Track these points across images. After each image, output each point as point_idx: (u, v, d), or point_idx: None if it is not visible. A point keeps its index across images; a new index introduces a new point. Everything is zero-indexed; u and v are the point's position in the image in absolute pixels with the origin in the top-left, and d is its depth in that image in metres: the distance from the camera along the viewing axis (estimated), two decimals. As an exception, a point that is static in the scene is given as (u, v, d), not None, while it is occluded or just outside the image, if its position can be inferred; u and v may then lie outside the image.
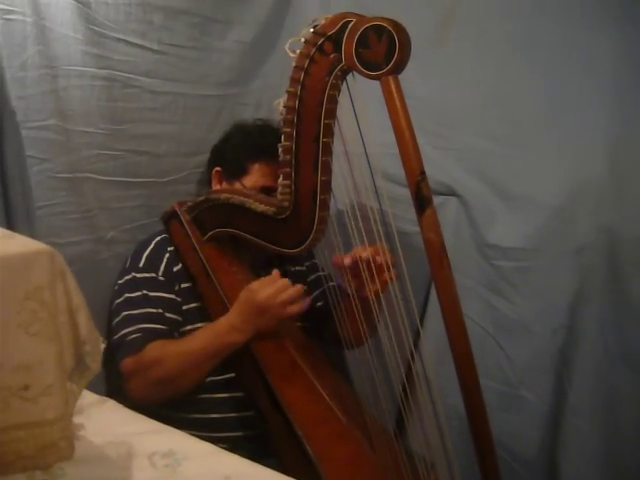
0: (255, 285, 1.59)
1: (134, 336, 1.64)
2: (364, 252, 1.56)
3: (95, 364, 1.04)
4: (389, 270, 1.56)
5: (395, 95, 1.29)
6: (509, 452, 1.91)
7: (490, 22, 1.88)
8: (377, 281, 1.58)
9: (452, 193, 1.94)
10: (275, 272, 1.61)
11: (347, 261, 1.59)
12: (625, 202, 1.74)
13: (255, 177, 1.78)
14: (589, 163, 1.76)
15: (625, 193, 1.74)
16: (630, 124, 1.72)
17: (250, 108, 2.15)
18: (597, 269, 1.78)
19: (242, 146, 1.82)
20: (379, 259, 1.56)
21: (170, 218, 1.78)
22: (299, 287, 1.60)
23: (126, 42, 1.77)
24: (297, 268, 1.96)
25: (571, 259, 1.80)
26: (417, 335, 1.74)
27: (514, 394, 1.92)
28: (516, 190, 1.87)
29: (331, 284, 1.87)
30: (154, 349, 1.62)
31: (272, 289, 1.57)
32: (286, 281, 1.59)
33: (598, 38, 1.74)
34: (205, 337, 1.63)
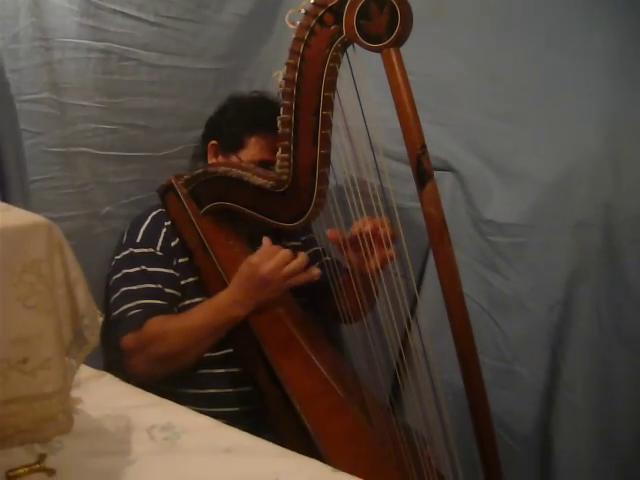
0: (255, 259, 1.57)
1: (134, 312, 1.64)
2: (365, 226, 1.55)
3: (93, 338, 1.03)
4: (389, 245, 1.55)
5: (396, 68, 1.28)
6: (503, 427, 1.91)
7: (487, -3, 1.87)
8: (377, 256, 1.57)
9: (448, 168, 1.93)
10: (266, 241, 1.60)
11: (347, 235, 1.58)
12: (622, 179, 1.73)
13: (252, 151, 1.76)
14: (586, 140, 1.76)
15: (622, 170, 1.73)
16: (627, 101, 1.71)
17: (247, 82, 2.13)
18: (593, 246, 1.78)
19: (238, 119, 1.80)
20: (380, 232, 1.55)
21: (166, 191, 1.75)
22: (302, 258, 1.59)
23: (123, 14, 1.74)
24: (293, 243, 1.94)
25: (567, 236, 1.80)
26: (412, 311, 1.74)
27: (508, 370, 1.92)
28: (512, 166, 1.86)
29: (328, 258, 1.87)
30: (155, 325, 1.61)
31: (274, 263, 1.55)
32: (287, 252, 1.57)
33: (596, 16, 1.73)
34: (206, 312, 1.62)
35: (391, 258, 1.57)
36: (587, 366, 1.82)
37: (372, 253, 1.56)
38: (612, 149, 1.74)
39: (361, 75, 1.34)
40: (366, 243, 1.54)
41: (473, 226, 1.92)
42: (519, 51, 1.83)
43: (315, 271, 1.61)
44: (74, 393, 1.02)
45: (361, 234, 1.55)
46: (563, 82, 1.77)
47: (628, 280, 1.74)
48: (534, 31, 1.80)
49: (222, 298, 1.61)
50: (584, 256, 1.79)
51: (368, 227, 1.55)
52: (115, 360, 1.69)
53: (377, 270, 1.57)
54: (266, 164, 1.66)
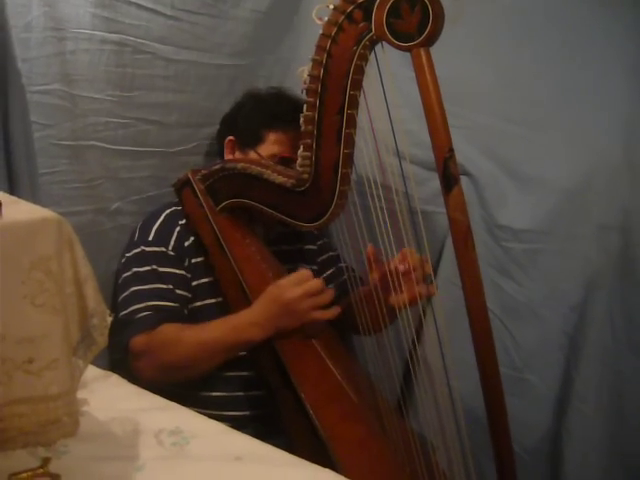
0: (285, 282, 1.54)
1: (144, 314, 1.61)
2: (402, 264, 1.53)
3: (102, 338, 1.01)
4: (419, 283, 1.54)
5: (426, 68, 1.26)
6: (512, 436, 1.89)
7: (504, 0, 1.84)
8: (408, 293, 1.56)
9: (463, 172, 1.90)
10: (306, 270, 1.56)
11: (378, 273, 1.57)
12: (639, 186, 1.71)
13: (271, 146, 1.73)
14: (603, 146, 1.74)
15: (639, 176, 1.71)
16: (645, 105, 1.69)
17: (263, 79, 2.10)
18: (608, 253, 1.76)
19: (256, 114, 1.77)
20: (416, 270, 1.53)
21: (183, 186, 1.72)
22: (330, 292, 1.56)
23: (138, 6, 1.71)
24: (309, 246, 1.93)
25: (583, 242, 1.79)
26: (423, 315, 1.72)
27: (519, 378, 1.90)
28: (529, 171, 1.84)
29: (343, 265, 1.84)
30: (168, 331, 1.58)
31: (301, 290, 1.52)
32: (318, 283, 1.54)
33: (616, 19, 1.73)
34: (223, 329, 1.58)
35: (428, 295, 1.57)
36: (599, 375, 1.81)
37: (402, 289, 1.54)
38: (630, 156, 1.73)
39: (387, 75, 1.31)
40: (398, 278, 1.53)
41: (487, 231, 1.89)
42: (536, 55, 1.82)
43: (336, 310, 1.57)
44: (80, 394, 1.00)
45: (397, 269, 1.53)
46: (581, 86, 1.77)
47: (643, 289, 1.72)
48: (552, 35, 1.79)
49: (242, 317, 1.57)
50: (599, 264, 1.78)
51: (404, 267, 1.53)
52: (120, 360, 1.66)
53: (405, 306, 1.56)
54: (286, 161, 1.66)
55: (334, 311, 1.56)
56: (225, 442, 1.14)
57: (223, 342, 1.57)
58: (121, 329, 1.60)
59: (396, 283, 1.52)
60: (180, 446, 1.11)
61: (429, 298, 1.77)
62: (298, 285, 1.52)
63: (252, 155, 1.74)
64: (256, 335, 1.55)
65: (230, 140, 1.80)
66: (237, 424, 1.29)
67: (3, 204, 0.86)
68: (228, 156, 1.81)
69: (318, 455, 1.35)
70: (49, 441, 0.96)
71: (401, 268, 1.53)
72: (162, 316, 1.61)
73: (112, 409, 1.19)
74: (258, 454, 1.11)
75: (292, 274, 1.56)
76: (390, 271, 1.53)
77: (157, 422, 1.17)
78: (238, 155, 1.78)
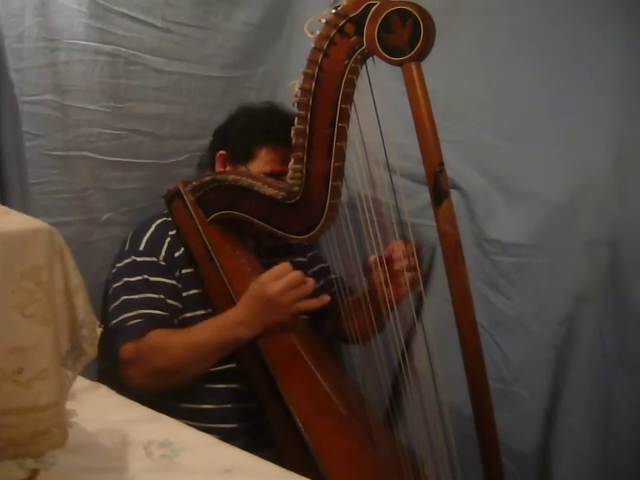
0: (265, 277, 1.53)
1: (135, 322, 1.61)
2: (398, 251, 1.57)
3: (92, 349, 1.01)
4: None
5: (417, 83, 1.27)
6: (501, 449, 1.88)
7: (496, 14, 1.84)
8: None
9: (453, 186, 1.89)
10: (285, 264, 1.55)
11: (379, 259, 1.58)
12: (629, 202, 1.71)
13: (262, 162, 1.73)
14: (593, 161, 1.73)
15: (629, 193, 1.71)
16: (636, 122, 1.69)
17: (254, 92, 2.10)
18: (598, 268, 1.75)
19: (249, 130, 1.77)
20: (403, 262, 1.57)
21: (173, 197, 1.73)
22: (311, 282, 1.55)
23: (130, 17, 1.71)
24: (299, 259, 1.92)
25: (572, 257, 1.78)
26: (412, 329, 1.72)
27: (508, 391, 1.89)
28: (518, 185, 1.83)
29: (334, 276, 1.84)
30: (157, 337, 1.58)
31: (283, 283, 1.51)
32: (298, 274, 1.53)
33: (606, 35, 1.71)
34: (211, 330, 1.58)
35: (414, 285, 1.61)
36: (588, 389, 1.80)
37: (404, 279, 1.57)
38: (620, 171, 1.71)
39: (378, 88, 1.33)
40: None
41: (476, 245, 1.89)
42: (528, 69, 1.81)
43: (326, 297, 1.57)
44: (68, 405, 0.99)
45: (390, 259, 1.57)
46: (572, 101, 1.75)
47: (631, 304, 1.71)
48: (544, 50, 1.78)
49: (228, 316, 1.58)
50: (588, 279, 1.77)
51: (399, 253, 1.57)
52: (109, 370, 1.66)
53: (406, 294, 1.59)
54: (276, 175, 1.65)
55: (319, 300, 1.57)
56: (214, 454, 1.14)
57: (211, 343, 1.58)
58: (111, 338, 1.61)
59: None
60: (169, 458, 1.11)
61: (419, 312, 1.79)
62: (278, 279, 1.52)
63: (243, 171, 1.73)
64: (243, 334, 1.56)
65: (222, 154, 1.81)
66: (226, 436, 1.29)
67: (-5, 214, 0.86)
68: (219, 169, 1.80)
69: (307, 468, 1.36)
70: (38, 452, 0.95)
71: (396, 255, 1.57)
72: (152, 324, 1.61)
73: (101, 420, 1.19)
74: (247, 466, 1.11)
75: (272, 268, 1.55)
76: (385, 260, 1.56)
77: (146, 434, 1.17)
78: (229, 170, 1.78)
